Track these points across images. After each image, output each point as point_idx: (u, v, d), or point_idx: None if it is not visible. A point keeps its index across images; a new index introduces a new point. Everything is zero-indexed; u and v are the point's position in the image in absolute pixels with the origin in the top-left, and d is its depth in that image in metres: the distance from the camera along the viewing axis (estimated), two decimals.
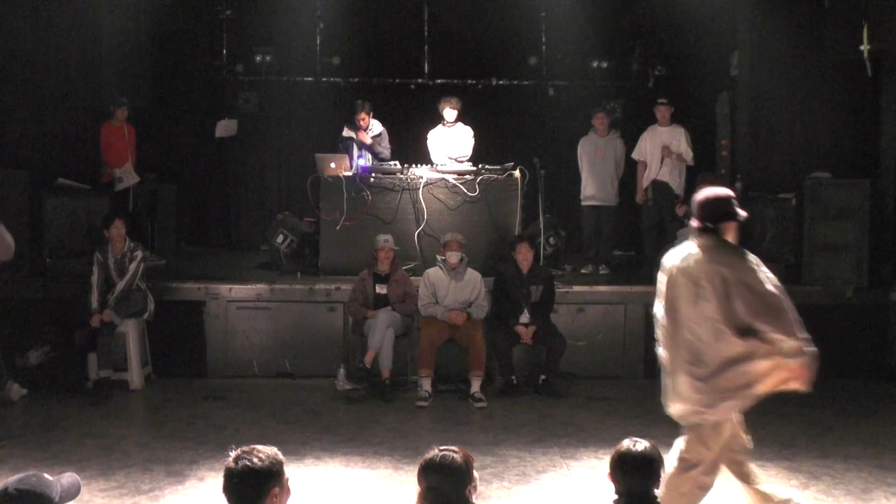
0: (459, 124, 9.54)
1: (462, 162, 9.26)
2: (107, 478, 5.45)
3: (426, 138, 9.61)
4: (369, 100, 9.76)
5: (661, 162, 9.26)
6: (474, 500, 2.99)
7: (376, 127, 9.65)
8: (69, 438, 6.26)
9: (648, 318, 8.41)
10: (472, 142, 9.53)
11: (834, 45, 9.15)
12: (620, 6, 12.22)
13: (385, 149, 9.58)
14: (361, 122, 9.47)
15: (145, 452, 5.98)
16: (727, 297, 3.89)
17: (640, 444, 3.19)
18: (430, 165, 9.12)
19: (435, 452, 3.01)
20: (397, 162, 9.16)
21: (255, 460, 2.77)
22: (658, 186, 9.36)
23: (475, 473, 3.02)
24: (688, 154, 9.28)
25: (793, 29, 9.45)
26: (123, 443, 6.22)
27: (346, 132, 9.56)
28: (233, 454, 2.81)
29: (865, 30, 8.62)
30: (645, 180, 9.46)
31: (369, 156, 9.36)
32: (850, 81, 9.19)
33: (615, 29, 12.26)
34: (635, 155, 9.57)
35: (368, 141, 9.43)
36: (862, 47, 8.66)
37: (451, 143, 9.49)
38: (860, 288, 8.38)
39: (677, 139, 9.28)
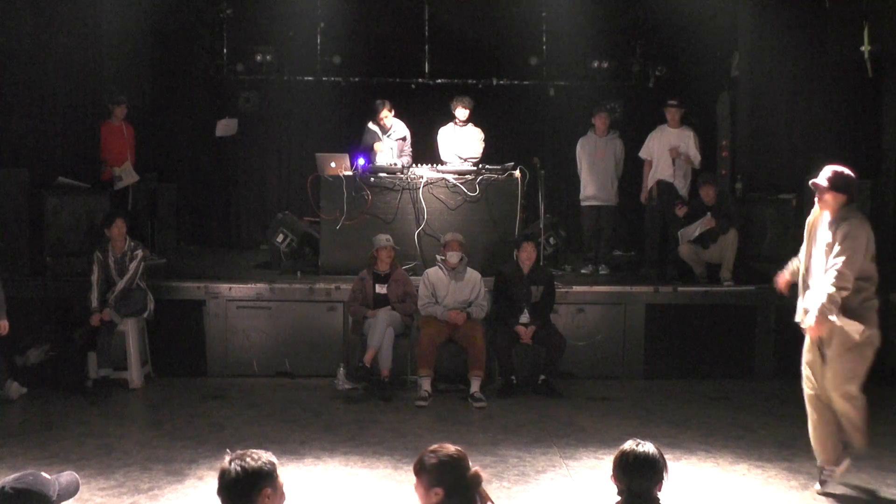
0: (470, 125, 9.56)
1: (471, 162, 9.27)
2: (106, 477, 5.44)
3: (435, 136, 9.63)
4: (371, 100, 9.76)
5: (673, 164, 9.24)
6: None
7: (401, 129, 9.61)
8: (68, 437, 6.25)
9: (648, 318, 8.46)
10: (482, 144, 9.55)
11: (835, 46, 9.16)
12: (620, 6, 12.22)
13: (406, 154, 9.56)
14: (383, 122, 9.46)
15: (145, 451, 5.97)
16: None
17: (643, 446, 3.22)
18: (432, 164, 9.11)
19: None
20: (397, 161, 9.16)
21: (249, 461, 2.82)
22: (663, 187, 9.35)
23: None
24: (696, 157, 9.27)
25: (793, 29, 9.44)
26: (123, 442, 6.21)
27: (371, 126, 9.55)
28: (228, 457, 2.87)
29: (866, 30, 8.63)
30: (650, 180, 9.45)
31: (393, 151, 9.33)
32: (851, 82, 9.18)
33: (615, 29, 12.26)
34: (642, 154, 9.55)
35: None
36: (863, 48, 8.67)
37: (462, 142, 9.51)
38: None
39: (685, 142, 9.26)
